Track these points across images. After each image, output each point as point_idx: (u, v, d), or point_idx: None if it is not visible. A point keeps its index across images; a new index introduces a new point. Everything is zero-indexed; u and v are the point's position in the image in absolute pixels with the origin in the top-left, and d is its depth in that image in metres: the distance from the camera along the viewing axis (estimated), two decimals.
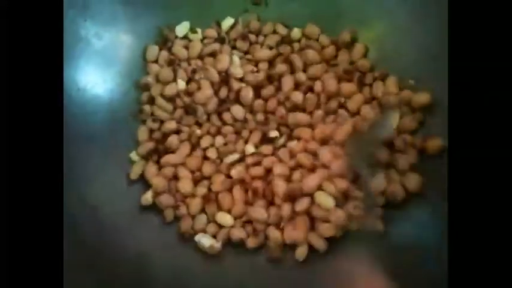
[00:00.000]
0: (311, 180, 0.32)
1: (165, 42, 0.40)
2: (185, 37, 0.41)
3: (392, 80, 0.36)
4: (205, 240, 0.33)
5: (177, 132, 0.38)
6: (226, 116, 0.38)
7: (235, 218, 0.34)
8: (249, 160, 0.35)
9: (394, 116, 0.34)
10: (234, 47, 0.41)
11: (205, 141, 0.37)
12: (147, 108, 0.38)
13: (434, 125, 0.33)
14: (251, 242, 0.33)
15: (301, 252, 0.32)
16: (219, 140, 0.37)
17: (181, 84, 0.38)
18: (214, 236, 0.34)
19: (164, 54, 0.39)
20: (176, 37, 0.40)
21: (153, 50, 0.39)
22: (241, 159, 0.36)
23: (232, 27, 0.41)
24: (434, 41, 0.33)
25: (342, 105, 0.37)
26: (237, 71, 0.38)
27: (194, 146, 0.37)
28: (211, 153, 0.37)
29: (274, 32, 0.41)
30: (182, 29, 0.41)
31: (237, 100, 0.38)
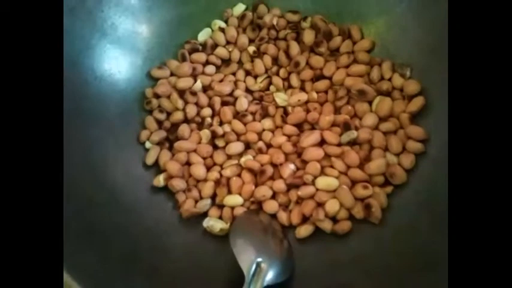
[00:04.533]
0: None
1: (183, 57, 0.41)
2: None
3: (387, 64, 0.37)
4: (214, 224, 0.34)
5: (186, 121, 0.39)
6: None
7: (244, 200, 0.35)
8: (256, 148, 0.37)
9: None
10: None
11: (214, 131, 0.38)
12: (154, 100, 0.39)
13: (431, 115, 0.34)
14: None
15: (302, 231, 0.33)
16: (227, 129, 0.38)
17: (198, 85, 0.39)
18: (219, 218, 0.35)
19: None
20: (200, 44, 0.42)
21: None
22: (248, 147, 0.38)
23: (243, 17, 0.42)
24: (432, 36, 0.34)
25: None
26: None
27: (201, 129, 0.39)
28: (220, 142, 0.38)
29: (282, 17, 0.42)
30: (204, 34, 0.43)
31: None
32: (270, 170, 0.35)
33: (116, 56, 0.39)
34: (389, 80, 0.37)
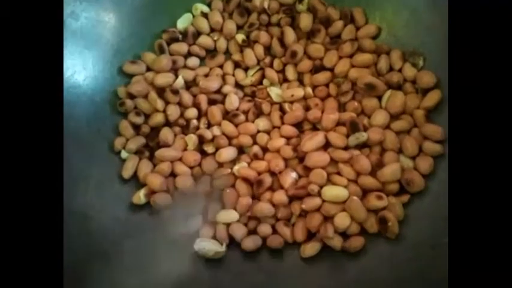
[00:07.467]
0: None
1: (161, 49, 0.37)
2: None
3: (396, 53, 0.34)
4: (206, 246, 0.30)
5: (168, 124, 0.35)
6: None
7: (240, 215, 0.32)
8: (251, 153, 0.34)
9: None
10: None
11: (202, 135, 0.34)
12: (128, 101, 0.35)
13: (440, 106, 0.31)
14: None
15: (308, 249, 0.30)
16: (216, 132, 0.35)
17: (180, 81, 0.36)
18: (212, 238, 0.32)
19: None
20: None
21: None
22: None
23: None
24: (444, 23, 0.30)
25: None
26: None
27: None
28: (209, 148, 0.34)
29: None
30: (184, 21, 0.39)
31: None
32: (268, 180, 0.32)
33: (79, 50, 0.34)
34: (400, 71, 0.34)
